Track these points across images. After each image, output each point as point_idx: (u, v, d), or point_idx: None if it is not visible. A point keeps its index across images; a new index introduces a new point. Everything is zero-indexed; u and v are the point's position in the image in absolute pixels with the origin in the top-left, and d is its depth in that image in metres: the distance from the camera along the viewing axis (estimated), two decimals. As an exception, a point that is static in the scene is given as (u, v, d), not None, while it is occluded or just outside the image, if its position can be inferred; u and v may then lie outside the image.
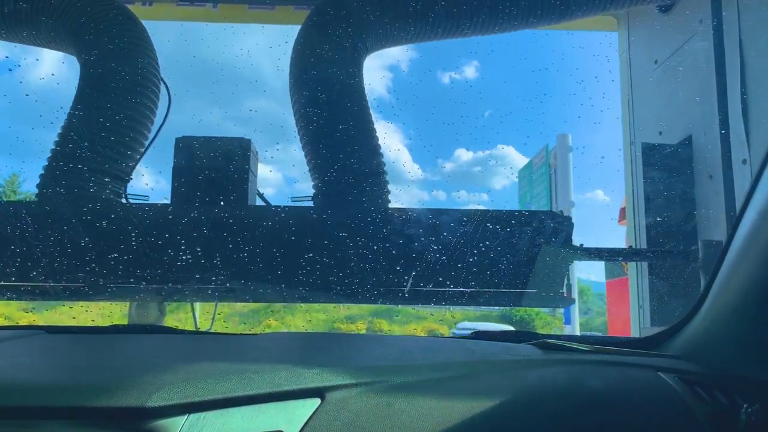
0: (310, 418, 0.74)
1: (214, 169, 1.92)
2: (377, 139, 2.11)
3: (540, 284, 1.84)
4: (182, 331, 1.24)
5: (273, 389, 0.77)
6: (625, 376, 0.87)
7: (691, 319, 1.00)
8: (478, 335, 1.16)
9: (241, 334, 1.12)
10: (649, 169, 2.33)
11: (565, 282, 1.89)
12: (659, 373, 0.88)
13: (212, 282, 1.82)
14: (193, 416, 0.73)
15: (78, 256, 1.79)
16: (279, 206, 1.96)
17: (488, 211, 1.89)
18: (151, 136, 2.15)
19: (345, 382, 0.80)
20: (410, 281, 1.82)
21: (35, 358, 0.86)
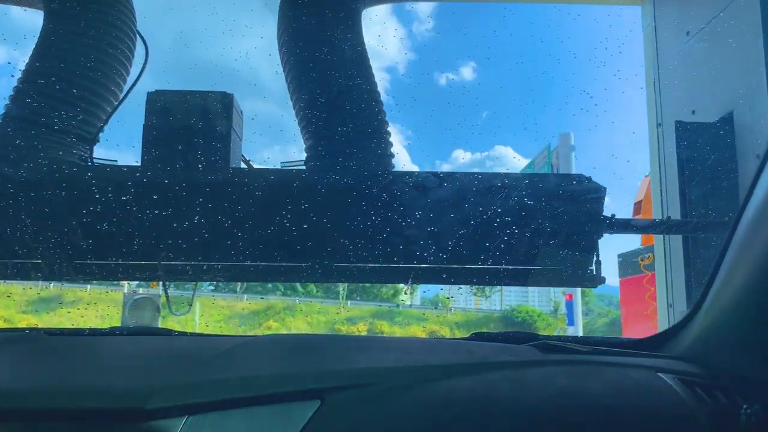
0: (309, 420, 0.74)
1: (191, 127, 1.65)
2: (378, 95, 1.85)
3: (566, 260, 1.59)
4: (182, 333, 1.24)
5: (272, 391, 0.77)
6: (625, 377, 0.87)
7: (690, 319, 0.99)
8: (479, 336, 1.16)
9: (240, 336, 1.12)
10: (684, 151, 2.02)
11: (594, 258, 1.62)
12: (659, 373, 0.88)
13: (187, 257, 1.58)
14: (192, 418, 0.72)
15: (34, 228, 1.55)
16: (267, 168, 1.70)
17: (506, 174, 1.63)
18: (122, 93, 1.88)
19: (344, 384, 0.80)
20: (418, 257, 1.57)
21: (35, 360, 0.86)
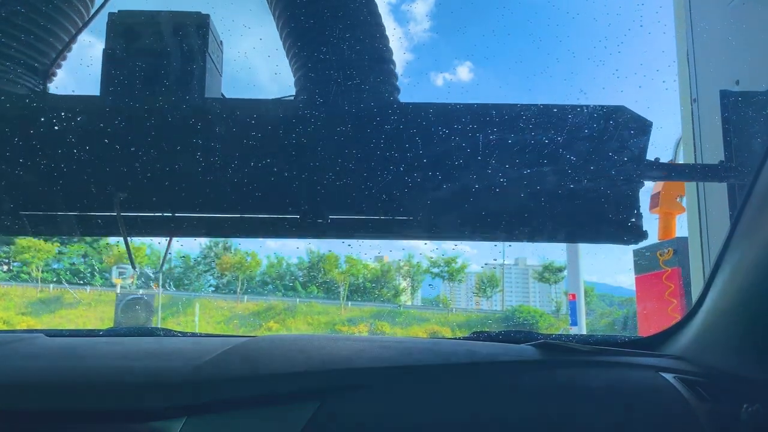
0: (309, 420, 0.74)
1: (159, 51, 1.42)
2: (380, 17, 1.57)
3: (603, 210, 1.32)
4: (181, 334, 1.24)
5: (272, 392, 0.77)
6: (626, 376, 0.87)
7: (691, 319, 0.99)
8: (479, 336, 1.16)
9: (240, 336, 1.12)
10: (730, 125, 1.72)
11: (636, 208, 1.36)
12: (660, 373, 0.88)
13: (153, 207, 1.34)
14: (192, 419, 0.72)
15: None
16: (249, 99, 1.43)
17: (529, 106, 1.34)
18: (83, 20, 1.60)
19: (344, 384, 0.80)
20: (429, 207, 1.31)
21: (35, 362, 0.86)
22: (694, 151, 2.01)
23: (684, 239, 3.90)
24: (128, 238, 1.42)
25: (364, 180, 1.31)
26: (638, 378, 0.87)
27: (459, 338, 1.19)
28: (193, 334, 1.24)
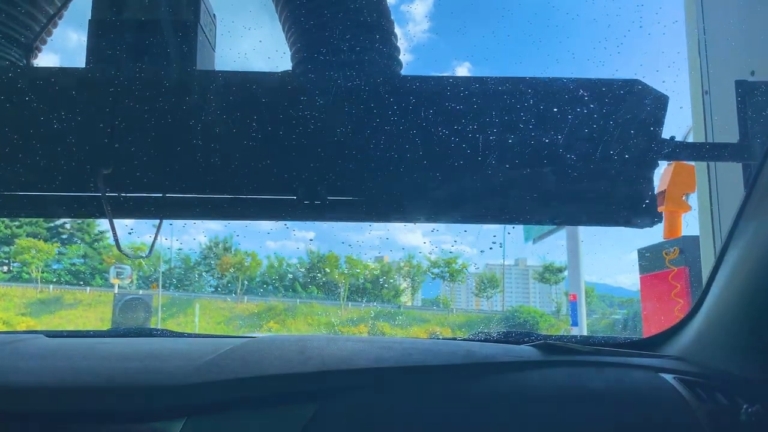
0: (309, 421, 0.74)
1: (147, 22, 1.34)
2: None
3: (614, 190, 1.24)
4: (181, 334, 1.24)
5: (271, 392, 0.77)
6: (626, 377, 0.87)
7: (691, 319, 0.99)
8: (478, 336, 1.16)
9: (239, 336, 1.12)
10: (747, 116, 1.60)
11: (650, 189, 1.29)
12: (660, 373, 0.88)
13: (140, 186, 1.26)
14: (192, 419, 0.72)
15: None
16: (242, 72, 1.34)
17: (540, 79, 1.27)
18: None
19: (343, 385, 0.80)
20: (434, 187, 1.24)
21: (35, 362, 0.86)
22: (705, 136, 1.90)
23: (690, 238, 3.77)
24: (114, 221, 1.31)
25: (365, 158, 1.23)
26: (638, 379, 0.87)
27: (459, 339, 1.19)
28: (194, 335, 1.24)
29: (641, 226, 1.27)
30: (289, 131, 1.23)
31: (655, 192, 1.29)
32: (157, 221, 1.41)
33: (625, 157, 1.23)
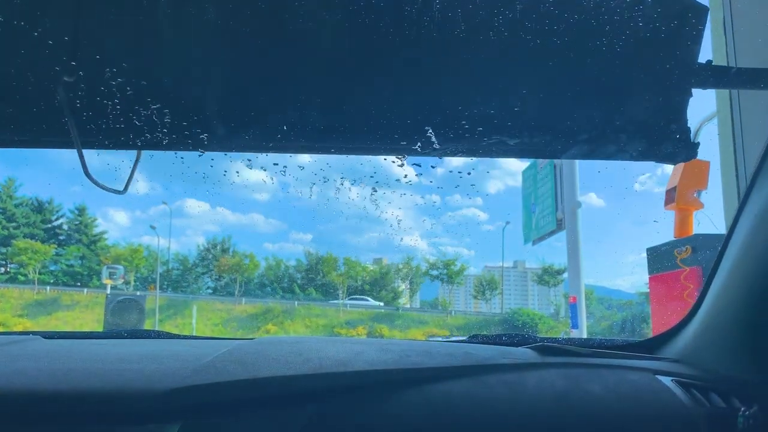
0: (307, 423, 0.74)
1: None
2: None
3: (646, 122, 1.06)
4: (179, 336, 1.24)
5: (269, 395, 0.77)
6: (623, 379, 0.87)
7: (688, 322, 1.00)
8: (476, 338, 1.16)
9: (237, 338, 1.12)
10: None
11: (684, 122, 1.09)
12: (657, 376, 0.88)
13: (116, 109, 0.99)
14: (189, 421, 0.72)
15: None
16: None
17: None
18: None
19: (341, 386, 0.80)
20: (450, 115, 1.03)
21: (32, 364, 0.85)
22: (732, 125, 1.67)
23: (702, 236, 3.65)
24: (83, 150, 1.03)
25: (368, 86, 1.03)
26: (635, 381, 0.87)
27: (457, 341, 1.19)
28: (191, 337, 1.24)
29: (675, 161, 1.11)
30: (285, 42, 0.99)
31: (687, 124, 1.10)
32: (134, 152, 1.15)
33: (659, 82, 1.05)
